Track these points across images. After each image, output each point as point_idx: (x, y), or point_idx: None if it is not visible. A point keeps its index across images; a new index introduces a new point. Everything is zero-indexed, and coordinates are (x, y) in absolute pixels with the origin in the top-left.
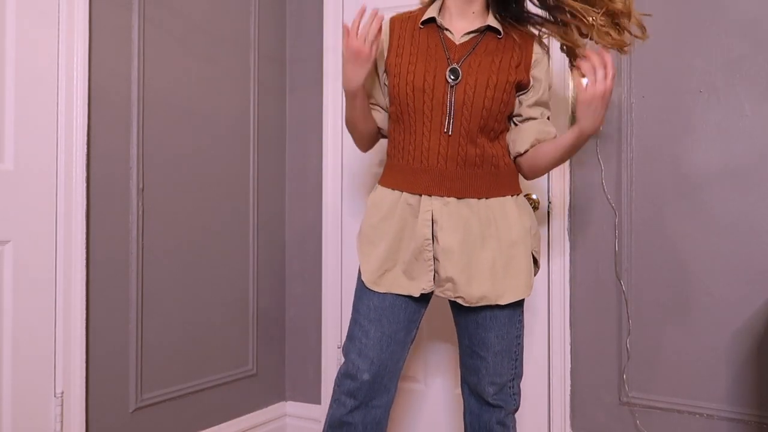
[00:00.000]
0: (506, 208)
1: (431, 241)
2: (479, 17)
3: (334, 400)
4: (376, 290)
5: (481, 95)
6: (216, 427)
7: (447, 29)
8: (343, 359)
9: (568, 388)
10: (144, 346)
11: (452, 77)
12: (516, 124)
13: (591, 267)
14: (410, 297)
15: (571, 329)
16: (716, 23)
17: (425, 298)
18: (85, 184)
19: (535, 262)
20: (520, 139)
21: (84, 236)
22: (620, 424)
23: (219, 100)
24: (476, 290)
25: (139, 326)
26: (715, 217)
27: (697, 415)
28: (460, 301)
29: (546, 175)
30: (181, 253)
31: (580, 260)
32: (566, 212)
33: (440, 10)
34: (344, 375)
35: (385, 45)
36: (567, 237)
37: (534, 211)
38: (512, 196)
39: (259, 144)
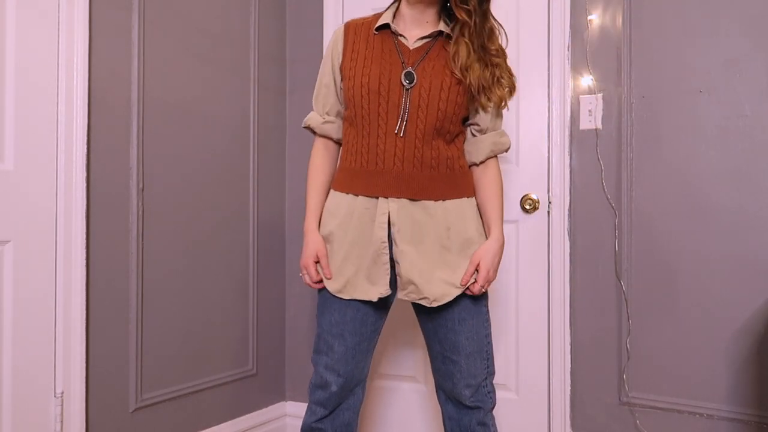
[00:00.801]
0: (463, 210)
1: (387, 244)
2: (432, 25)
3: (308, 407)
4: (341, 297)
5: (435, 98)
6: (216, 427)
7: (401, 35)
8: None
9: (568, 388)
10: (144, 346)
11: (407, 81)
12: (474, 135)
13: (591, 267)
14: (370, 306)
15: (571, 329)
16: (716, 23)
17: (385, 305)
18: (85, 184)
19: None
20: (476, 151)
21: (84, 236)
22: (620, 424)
23: (219, 100)
24: (437, 289)
25: (139, 326)
26: (715, 217)
27: (697, 415)
28: (424, 302)
29: (546, 175)
30: (181, 253)
31: (580, 260)
32: (566, 212)
33: (394, 16)
34: (315, 386)
35: (340, 48)
36: (567, 237)
37: (534, 211)
38: (468, 197)
39: (259, 144)
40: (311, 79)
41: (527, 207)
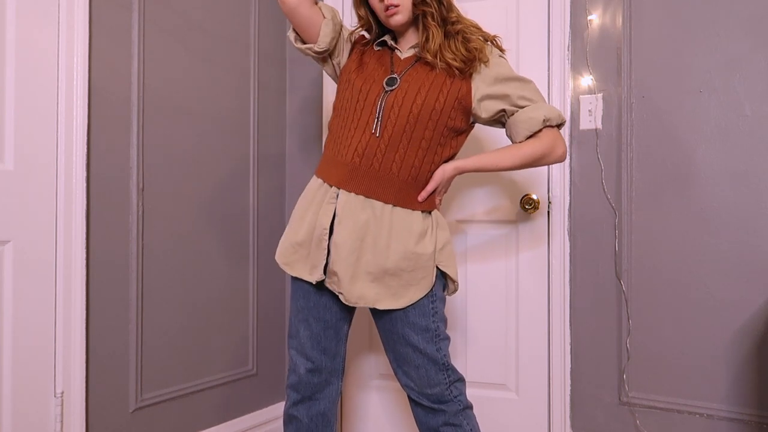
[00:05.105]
0: (411, 221)
1: (327, 231)
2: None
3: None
4: (286, 271)
5: (410, 100)
6: (216, 427)
7: (397, 48)
8: None
9: (568, 388)
10: (144, 346)
11: (388, 85)
12: (506, 119)
13: (591, 267)
14: (331, 294)
15: (571, 329)
16: (716, 23)
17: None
18: (85, 184)
19: (452, 279)
20: (515, 134)
21: (84, 236)
22: (620, 424)
23: (219, 100)
24: (357, 290)
25: (139, 326)
26: (715, 217)
27: (697, 415)
28: (341, 298)
29: (546, 175)
30: (181, 253)
31: (580, 260)
32: (566, 212)
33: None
34: (289, 370)
35: (346, 53)
36: (567, 237)
37: (534, 211)
38: (422, 212)
39: (259, 144)
40: (311, 79)
41: (527, 207)
